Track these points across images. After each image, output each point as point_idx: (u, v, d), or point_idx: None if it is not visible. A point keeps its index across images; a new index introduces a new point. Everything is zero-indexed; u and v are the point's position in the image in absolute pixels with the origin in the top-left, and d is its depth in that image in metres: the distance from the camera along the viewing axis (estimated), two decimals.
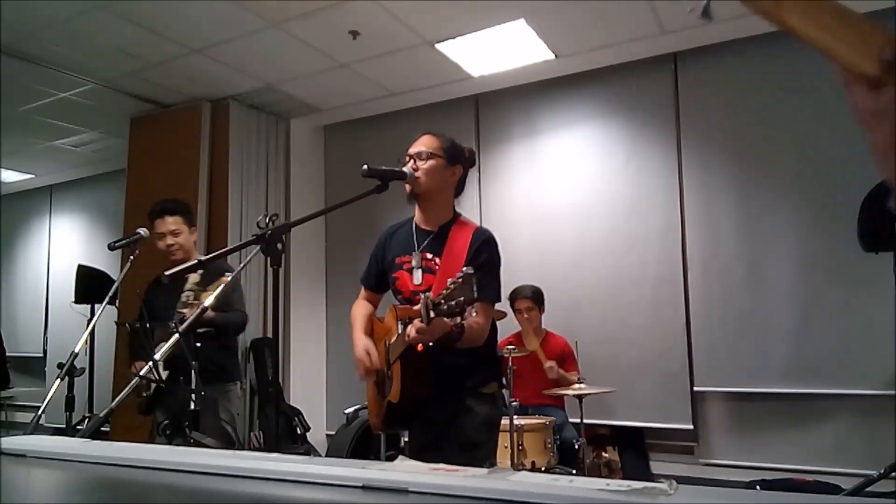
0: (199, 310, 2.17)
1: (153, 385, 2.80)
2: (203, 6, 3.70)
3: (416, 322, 1.79)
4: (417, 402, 2.02)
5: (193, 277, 2.97)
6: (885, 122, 0.64)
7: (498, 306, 2.25)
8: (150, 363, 2.12)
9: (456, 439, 2.04)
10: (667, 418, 4.25)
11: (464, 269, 1.70)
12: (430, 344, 1.87)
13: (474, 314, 1.71)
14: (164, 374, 2.83)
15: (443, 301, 1.70)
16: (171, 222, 3.14)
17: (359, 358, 2.09)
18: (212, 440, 2.77)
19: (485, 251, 2.07)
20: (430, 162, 2.09)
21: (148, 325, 2.78)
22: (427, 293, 1.80)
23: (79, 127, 5.69)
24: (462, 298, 1.66)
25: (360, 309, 2.31)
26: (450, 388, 2.05)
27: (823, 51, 0.66)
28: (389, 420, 2.07)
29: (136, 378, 1.91)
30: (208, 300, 2.26)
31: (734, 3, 0.78)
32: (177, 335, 1.97)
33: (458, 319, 1.84)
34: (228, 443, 3.00)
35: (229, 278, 2.36)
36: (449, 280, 1.70)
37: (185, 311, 2.98)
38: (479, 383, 2.11)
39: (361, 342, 2.12)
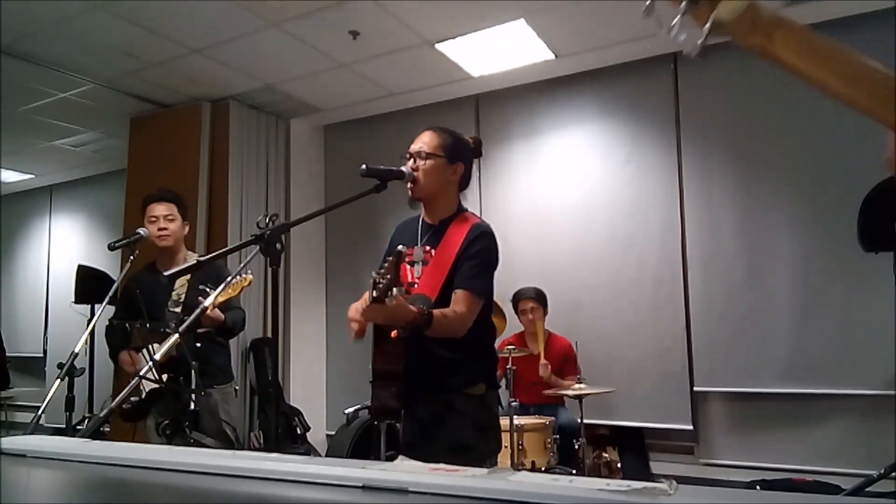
0: (199, 310, 2.16)
1: (143, 391, 2.72)
2: (203, 6, 3.70)
3: (363, 299, 1.82)
4: (398, 392, 1.95)
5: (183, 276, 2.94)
6: None
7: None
8: (151, 363, 2.11)
9: (445, 440, 1.97)
10: (666, 418, 4.25)
11: (399, 246, 1.72)
12: (404, 331, 1.88)
13: (394, 293, 1.69)
14: (163, 377, 2.79)
15: (379, 279, 1.70)
16: (165, 208, 3.12)
17: (348, 318, 1.95)
18: (212, 441, 2.77)
19: (478, 243, 2.04)
20: (430, 162, 2.06)
21: (143, 325, 2.75)
22: (373, 271, 1.79)
23: (79, 127, 5.69)
24: (388, 278, 1.67)
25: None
26: (433, 383, 2.01)
27: (825, 91, 0.61)
28: (376, 410, 2.03)
29: (137, 378, 1.90)
30: (208, 300, 2.25)
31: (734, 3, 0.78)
32: (176, 335, 1.96)
33: (423, 307, 1.83)
34: (228, 444, 2.99)
35: (230, 278, 2.35)
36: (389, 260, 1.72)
37: (177, 309, 2.94)
38: (466, 383, 2.02)
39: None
